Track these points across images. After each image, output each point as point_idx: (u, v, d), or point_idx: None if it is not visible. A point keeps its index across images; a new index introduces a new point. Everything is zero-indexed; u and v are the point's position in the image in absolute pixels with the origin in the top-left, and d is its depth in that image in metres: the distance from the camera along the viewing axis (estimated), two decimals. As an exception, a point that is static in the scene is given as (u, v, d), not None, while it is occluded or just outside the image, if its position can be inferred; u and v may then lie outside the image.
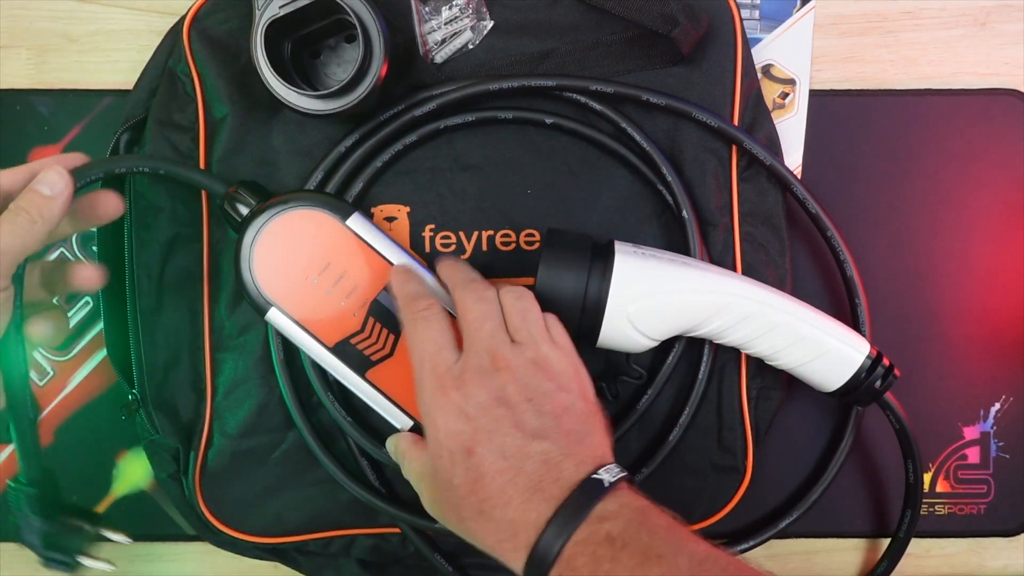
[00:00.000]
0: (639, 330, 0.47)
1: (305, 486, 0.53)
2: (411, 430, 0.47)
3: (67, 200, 0.42)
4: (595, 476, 0.39)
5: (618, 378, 0.52)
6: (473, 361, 0.42)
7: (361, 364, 0.47)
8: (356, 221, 0.47)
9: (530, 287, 0.46)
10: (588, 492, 0.39)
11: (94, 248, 0.56)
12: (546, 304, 0.46)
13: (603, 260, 0.47)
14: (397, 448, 0.47)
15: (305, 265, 0.46)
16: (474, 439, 0.40)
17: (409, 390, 0.46)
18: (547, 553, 0.38)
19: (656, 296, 0.46)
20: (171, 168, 0.48)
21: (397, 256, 0.47)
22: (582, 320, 0.46)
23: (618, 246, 0.47)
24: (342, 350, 0.46)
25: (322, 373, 0.51)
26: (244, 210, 0.47)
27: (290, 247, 0.46)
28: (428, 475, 0.44)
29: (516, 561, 0.39)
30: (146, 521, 0.57)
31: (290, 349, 0.52)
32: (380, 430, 0.52)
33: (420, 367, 0.43)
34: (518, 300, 0.44)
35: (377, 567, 0.55)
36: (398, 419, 0.47)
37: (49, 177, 0.42)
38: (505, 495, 0.39)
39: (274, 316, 0.46)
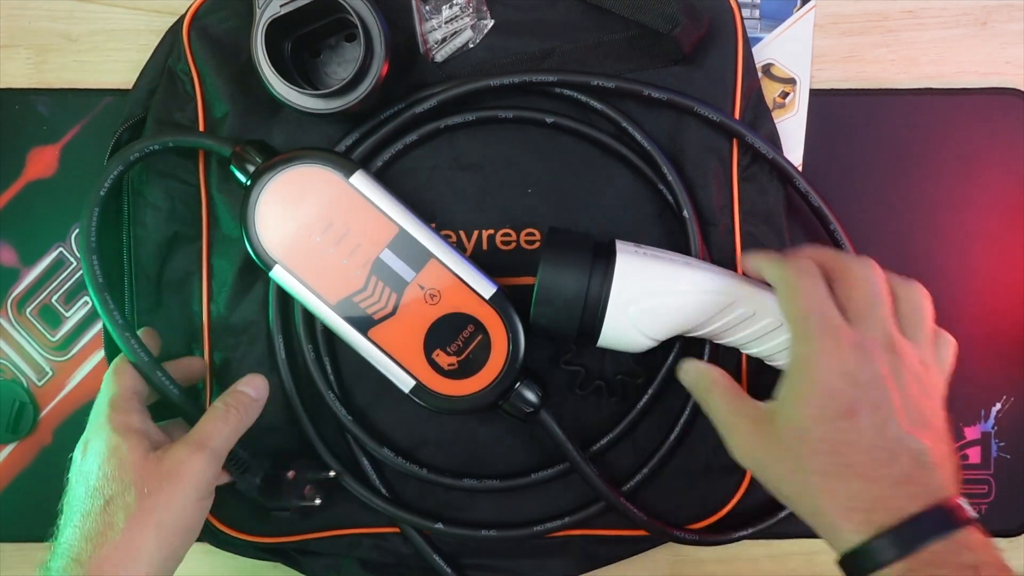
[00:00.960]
0: (640, 330, 0.47)
1: (305, 486, 0.53)
2: (412, 390, 0.47)
3: (263, 403, 0.49)
4: (961, 502, 0.39)
5: (618, 378, 0.52)
6: (871, 332, 0.41)
7: (363, 322, 0.46)
8: (360, 179, 0.47)
9: (531, 286, 0.46)
10: (955, 513, 0.38)
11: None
12: (547, 303, 0.46)
13: (604, 260, 0.46)
14: (703, 379, 0.46)
15: (309, 222, 0.46)
16: (858, 404, 0.39)
17: (410, 349, 0.46)
18: (903, 545, 0.37)
19: (657, 296, 0.46)
20: (178, 139, 0.49)
21: (401, 215, 0.47)
22: (583, 319, 0.46)
23: (619, 245, 0.47)
24: (344, 308, 0.46)
25: (323, 372, 0.51)
26: (251, 168, 0.47)
27: (294, 204, 0.46)
28: (758, 418, 0.43)
29: (851, 531, 0.38)
30: (145, 521, 0.56)
31: (291, 348, 0.51)
32: (381, 429, 0.52)
33: (808, 311, 0.42)
34: (911, 291, 0.43)
35: (377, 567, 0.55)
36: (400, 378, 0.47)
37: (256, 381, 0.49)
38: (876, 472, 0.39)
39: (278, 273, 0.46)
